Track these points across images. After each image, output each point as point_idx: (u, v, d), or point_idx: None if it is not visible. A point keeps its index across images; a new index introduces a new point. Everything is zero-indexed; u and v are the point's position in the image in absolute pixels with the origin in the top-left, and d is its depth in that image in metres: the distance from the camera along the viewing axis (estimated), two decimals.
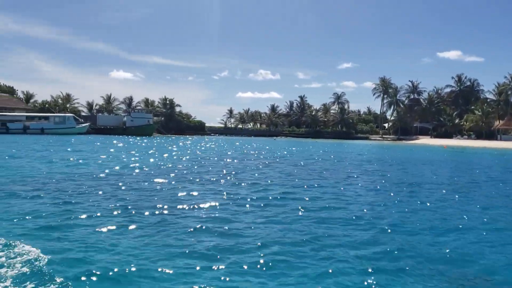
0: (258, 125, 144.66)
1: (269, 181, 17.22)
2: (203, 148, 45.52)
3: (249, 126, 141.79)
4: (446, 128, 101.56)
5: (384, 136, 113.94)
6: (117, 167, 21.14)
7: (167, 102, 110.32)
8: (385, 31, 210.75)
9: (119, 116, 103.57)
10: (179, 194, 13.32)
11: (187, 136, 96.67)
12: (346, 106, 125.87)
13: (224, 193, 13.79)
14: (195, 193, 13.60)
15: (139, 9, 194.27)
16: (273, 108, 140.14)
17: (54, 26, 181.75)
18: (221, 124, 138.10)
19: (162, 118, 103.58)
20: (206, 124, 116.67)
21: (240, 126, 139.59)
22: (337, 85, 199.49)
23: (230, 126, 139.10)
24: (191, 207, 11.34)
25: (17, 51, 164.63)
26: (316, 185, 16.49)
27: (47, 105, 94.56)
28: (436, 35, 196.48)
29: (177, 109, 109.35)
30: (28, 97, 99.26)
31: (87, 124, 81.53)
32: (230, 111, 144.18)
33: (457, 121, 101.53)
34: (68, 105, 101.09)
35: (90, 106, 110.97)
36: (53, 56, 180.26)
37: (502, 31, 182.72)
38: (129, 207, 10.92)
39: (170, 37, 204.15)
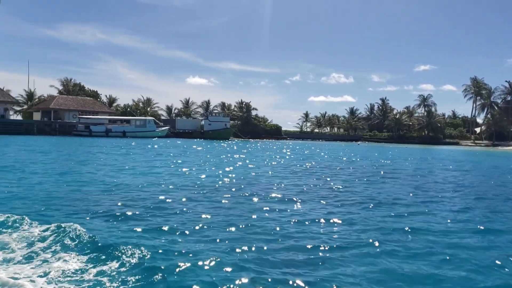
0: (336, 129, 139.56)
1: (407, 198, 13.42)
2: (306, 152, 42.23)
3: (326, 130, 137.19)
4: None
5: (476, 141, 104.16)
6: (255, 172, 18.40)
7: (243, 105, 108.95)
8: (465, 30, 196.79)
9: (197, 120, 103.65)
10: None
11: (264, 139, 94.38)
12: (433, 109, 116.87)
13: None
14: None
15: (216, 18, 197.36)
16: (352, 111, 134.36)
17: (136, 35, 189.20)
18: (296, 128, 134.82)
19: (239, 122, 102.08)
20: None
21: (316, 130, 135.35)
22: (414, 88, 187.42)
23: (306, 130, 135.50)
24: None
25: (103, 59, 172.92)
26: None
27: (128, 109, 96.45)
28: None
29: (253, 112, 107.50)
30: (111, 101, 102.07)
31: (167, 127, 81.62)
32: (306, 115, 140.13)
33: None
34: (148, 109, 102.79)
35: (169, 110, 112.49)
36: (135, 63, 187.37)
37: None
38: None
39: (244, 43, 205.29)
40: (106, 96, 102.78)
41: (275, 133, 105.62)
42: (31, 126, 71.36)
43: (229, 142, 71.89)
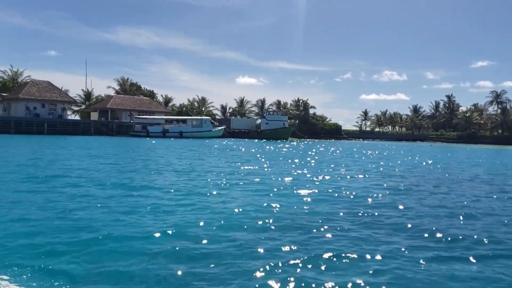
0: (397, 128, 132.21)
1: None
2: (409, 156, 37.48)
3: (387, 130, 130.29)
4: None
5: None
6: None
7: (300, 104, 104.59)
8: None
9: (252, 119, 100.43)
10: None
11: (324, 139, 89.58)
12: (507, 106, 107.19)
13: None
14: None
15: (264, 18, 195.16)
16: (415, 109, 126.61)
17: (189, 37, 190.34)
18: (355, 127, 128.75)
19: (296, 121, 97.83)
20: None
21: (377, 129, 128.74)
22: (471, 86, 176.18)
23: (365, 129, 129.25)
24: None
25: (157, 61, 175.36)
26: None
27: (184, 109, 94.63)
28: None
29: (311, 111, 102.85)
30: (167, 100, 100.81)
31: (222, 127, 78.72)
32: (365, 113, 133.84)
33: None
34: (203, 108, 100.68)
35: (223, 109, 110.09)
36: (187, 64, 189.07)
37: None
38: None
39: (292, 42, 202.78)
40: (162, 96, 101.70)
41: (335, 132, 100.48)
42: (88, 126, 70.42)
43: (291, 142, 67.76)
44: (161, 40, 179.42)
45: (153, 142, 50.20)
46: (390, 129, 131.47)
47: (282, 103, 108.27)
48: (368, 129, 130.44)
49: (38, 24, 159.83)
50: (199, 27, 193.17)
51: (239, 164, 22.33)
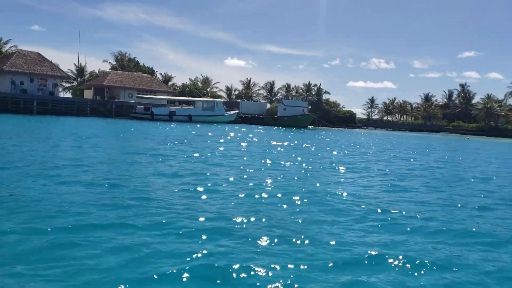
0: (406, 117, 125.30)
1: None
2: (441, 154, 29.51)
3: (396, 119, 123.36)
4: None
5: None
6: None
7: (312, 88, 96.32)
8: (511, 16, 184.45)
9: (261, 103, 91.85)
10: None
11: (339, 128, 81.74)
12: None
13: None
14: None
15: (258, 0, 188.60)
16: (427, 98, 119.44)
17: (178, 16, 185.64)
18: (363, 115, 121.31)
19: (309, 107, 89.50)
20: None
21: (385, 118, 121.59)
22: (457, 76, 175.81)
23: (373, 117, 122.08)
24: None
25: (146, 39, 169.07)
26: None
27: (187, 89, 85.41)
28: None
29: (324, 97, 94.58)
30: (167, 79, 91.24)
31: (235, 111, 70.06)
32: (372, 100, 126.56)
33: None
34: (208, 89, 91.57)
35: (229, 91, 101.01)
36: (176, 44, 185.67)
37: None
38: None
39: (284, 25, 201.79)
40: (161, 74, 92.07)
41: (349, 120, 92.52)
42: (83, 106, 60.96)
43: (318, 131, 59.67)
44: (149, 18, 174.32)
45: (171, 129, 41.54)
46: (398, 118, 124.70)
47: (292, 87, 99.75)
48: (375, 117, 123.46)
49: None
50: (187, 5, 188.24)
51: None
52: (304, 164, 17.68)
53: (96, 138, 24.54)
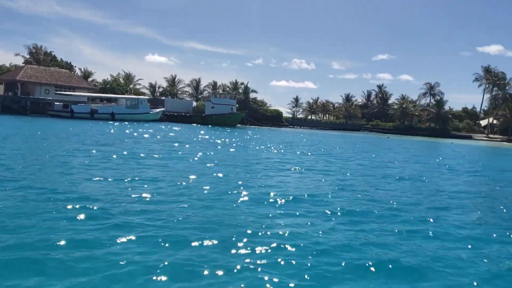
0: (328, 116, 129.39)
1: None
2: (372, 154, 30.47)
3: (319, 118, 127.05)
4: None
5: (490, 136, 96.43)
6: None
7: (239, 86, 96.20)
8: (421, 23, 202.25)
9: (187, 101, 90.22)
10: None
11: (266, 127, 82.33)
12: (439, 98, 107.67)
13: None
14: None
15: None
16: (348, 98, 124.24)
17: (96, 9, 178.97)
18: (288, 114, 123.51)
19: (237, 105, 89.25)
20: None
21: (310, 117, 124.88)
22: (372, 77, 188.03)
23: (297, 116, 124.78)
24: None
25: (61, 33, 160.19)
26: None
27: (108, 85, 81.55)
28: (476, 29, 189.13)
29: (252, 95, 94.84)
30: (87, 75, 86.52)
31: (161, 109, 68.03)
32: (296, 100, 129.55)
33: None
34: (131, 86, 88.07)
35: (153, 88, 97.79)
36: (95, 39, 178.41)
37: None
38: None
39: (208, 23, 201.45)
40: (80, 69, 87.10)
41: (276, 119, 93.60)
42: None
43: (249, 130, 59.42)
44: (65, 11, 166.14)
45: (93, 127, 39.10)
46: (321, 117, 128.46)
47: (219, 84, 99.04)
48: (300, 116, 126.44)
49: None
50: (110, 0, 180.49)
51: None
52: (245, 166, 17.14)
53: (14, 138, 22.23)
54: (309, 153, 26.16)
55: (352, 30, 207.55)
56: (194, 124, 66.01)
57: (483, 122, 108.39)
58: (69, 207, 8.01)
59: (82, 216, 7.47)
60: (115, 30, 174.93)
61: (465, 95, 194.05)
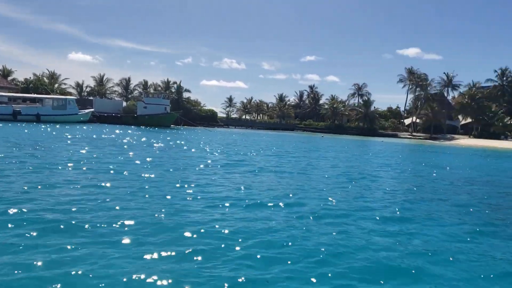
0: (261, 116, 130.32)
1: None
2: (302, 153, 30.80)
3: (254, 117, 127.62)
4: (495, 128, 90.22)
5: (414, 134, 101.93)
6: None
7: (172, 85, 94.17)
8: (346, 26, 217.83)
9: (118, 101, 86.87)
10: None
11: (201, 127, 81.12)
12: (367, 99, 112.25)
13: None
14: None
15: None
16: (281, 98, 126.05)
17: (10, 3, 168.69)
18: (222, 114, 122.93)
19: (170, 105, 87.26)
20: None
21: (244, 117, 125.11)
22: (301, 78, 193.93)
23: (232, 116, 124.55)
24: None
25: None
26: None
27: (31, 85, 76.41)
28: (396, 33, 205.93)
29: (185, 95, 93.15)
30: (6, 73, 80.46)
31: (90, 110, 64.74)
32: (230, 99, 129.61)
33: (506, 120, 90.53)
34: (56, 85, 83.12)
35: (79, 87, 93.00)
36: (12, 35, 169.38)
37: (460, 31, 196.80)
38: None
39: (134, 20, 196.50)
40: None
41: (211, 119, 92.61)
42: None
43: (186, 130, 57.92)
44: None
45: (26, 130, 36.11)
46: (256, 117, 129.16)
47: (150, 84, 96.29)
48: (234, 115, 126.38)
49: None
50: None
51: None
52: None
53: None
54: (256, 153, 25.78)
55: (282, 31, 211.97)
56: (127, 125, 63.54)
57: (407, 121, 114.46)
58: None
59: None
60: (34, 26, 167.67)
61: (388, 95, 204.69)
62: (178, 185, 12.27)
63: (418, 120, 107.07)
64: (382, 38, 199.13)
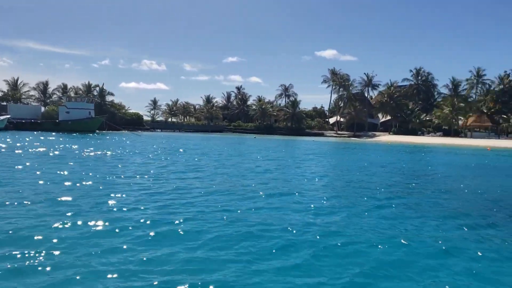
0: (188, 118, 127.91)
1: None
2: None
3: (180, 120, 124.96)
4: (412, 124, 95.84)
5: (338, 132, 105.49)
6: None
7: (94, 88, 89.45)
8: (267, 27, 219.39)
9: (35, 106, 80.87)
10: None
11: (134, 132, 77.73)
12: (294, 99, 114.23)
13: None
14: None
15: None
16: (208, 100, 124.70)
17: None
18: (147, 117, 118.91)
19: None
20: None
21: (170, 119, 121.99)
22: (224, 79, 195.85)
23: (158, 119, 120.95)
24: None
25: None
26: None
27: None
28: (314, 34, 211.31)
29: (109, 98, 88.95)
30: None
31: (6, 116, 59.47)
32: (154, 102, 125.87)
33: (422, 117, 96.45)
34: None
35: None
36: None
37: (375, 32, 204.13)
38: None
39: (44, 21, 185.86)
40: None
41: (136, 122, 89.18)
42: None
43: (114, 135, 54.77)
44: None
45: None
46: (182, 119, 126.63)
47: (70, 87, 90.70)
48: (160, 118, 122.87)
49: None
50: None
51: None
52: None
53: None
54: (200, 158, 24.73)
55: (203, 32, 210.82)
56: (48, 132, 59.13)
57: (332, 120, 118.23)
58: None
59: None
60: None
61: (311, 95, 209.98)
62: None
63: (341, 119, 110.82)
64: (300, 40, 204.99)
